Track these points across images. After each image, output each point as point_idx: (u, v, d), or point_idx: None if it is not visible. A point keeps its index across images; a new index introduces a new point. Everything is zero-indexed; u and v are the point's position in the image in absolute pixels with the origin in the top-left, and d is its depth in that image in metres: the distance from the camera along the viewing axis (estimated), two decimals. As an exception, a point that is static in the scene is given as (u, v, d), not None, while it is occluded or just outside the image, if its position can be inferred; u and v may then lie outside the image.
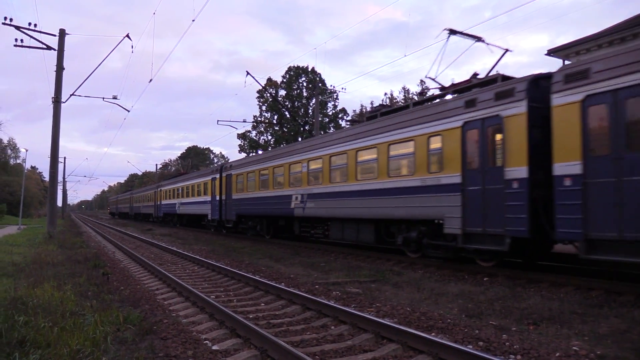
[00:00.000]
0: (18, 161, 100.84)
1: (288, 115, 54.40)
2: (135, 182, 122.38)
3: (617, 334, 6.24)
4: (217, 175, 27.09)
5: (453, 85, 12.68)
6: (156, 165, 79.60)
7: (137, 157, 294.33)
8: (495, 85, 10.63)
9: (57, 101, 22.87)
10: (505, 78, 11.04)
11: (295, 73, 56.38)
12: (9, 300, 7.67)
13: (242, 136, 57.20)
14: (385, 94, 62.81)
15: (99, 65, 25.11)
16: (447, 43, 14.09)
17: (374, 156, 13.99)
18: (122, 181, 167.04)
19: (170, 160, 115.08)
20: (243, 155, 57.09)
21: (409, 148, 12.67)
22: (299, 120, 51.13)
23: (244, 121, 33.88)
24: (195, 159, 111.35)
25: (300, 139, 56.67)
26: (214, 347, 5.79)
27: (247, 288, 9.95)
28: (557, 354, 5.42)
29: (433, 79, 13.22)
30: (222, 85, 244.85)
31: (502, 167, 10.12)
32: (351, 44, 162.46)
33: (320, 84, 50.01)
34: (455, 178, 11.14)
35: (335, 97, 55.67)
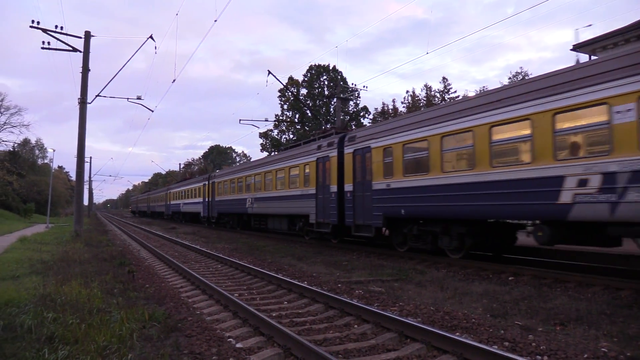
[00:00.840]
0: (45, 161, 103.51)
1: (309, 114, 54.46)
2: (159, 181, 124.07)
3: (648, 335, 6.08)
4: (206, 182, 35.30)
5: (322, 131, 21.37)
6: (179, 164, 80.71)
7: (161, 156, 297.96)
8: (329, 138, 17.94)
9: (83, 102, 23.32)
10: (339, 132, 18.45)
11: (316, 72, 56.42)
12: (38, 297, 7.87)
13: (264, 135, 57.54)
14: (407, 91, 62.39)
15: (124, 66, 25.41)
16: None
17: (283, 174, 21.37)
18: (147, 180, 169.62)
19: (193, 159, 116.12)
20: (265, 154, 57.39)
21: (297, 171, 19.97)
22: (321, 119, 51.17)
23: (266, 120, 34.25)
24: (218, 158, 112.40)
25: (321, 138, 56.70)
26: (238, 345, 5.84)
27: (270, 286, 10.01)
28: (585, 356, 5.32)
29: (325, 129, 21.87)
30: (244, 84, 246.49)
31: (329, 185, 17.26)
32: (372, 42, 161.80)
33: (341, 82, 49.95)
34: (313, 190, 18.40)
35: (356, 95, 55.54)
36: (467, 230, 12.13)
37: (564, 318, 6.93)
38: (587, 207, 8.55)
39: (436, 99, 50.34)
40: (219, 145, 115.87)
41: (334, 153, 17.06)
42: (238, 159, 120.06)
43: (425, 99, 50.89)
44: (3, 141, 65.71)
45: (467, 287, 9.54)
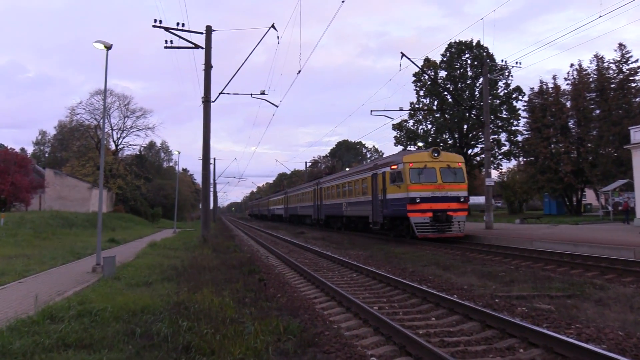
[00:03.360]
0: (170, 164, 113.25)
1: (450, 100, 53.12)
2: (284, 182, 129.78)
3: None
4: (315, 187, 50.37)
5: (328, 173, 56.91)
6: (305, 163, 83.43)
7: (285, 155, 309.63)
8: (315, 182, 45.16)
9: (206, 101, 25.13)
10: (329, 173, 55.69)
11: (457, 50, 54.85)
12: (171, 304, 8.63)
13: (398, 127, 57.26)
14: (572, 65, 58.02)
15: (246, 59, 26.79)
16: None
17: (307, 195, 48.67)
18: (271, 181, 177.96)
19: (320, 157, 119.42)
20: (400, 148, 57.27)
21: (307, 194, 48.02)
22: (464, 105, 49.58)
23: (400, 110, 33.76)
24: (347, 154, 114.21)
25: (465, 127, 54.93)
26: (382, 366, 5.83)
27: (413, 299, 9.91)
28: None
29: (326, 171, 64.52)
30: (372, 71, 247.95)
31: (316, 201, 43.78)
32: (522, 10, 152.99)
33: (487, 60, 47.93)
34: (312, 203, 45.83)
35: (507, 74, 52.93)
36: (343, 220, 35.57)
37: None
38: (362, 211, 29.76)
39: (610, 71, 46.10)
40: (347, 140, 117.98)
41: (315, 187, 43.01)
42: (369, 155, 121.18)
43: (595, 72, 46.90)
44: (130, 145, 72.71)
45: (667, 307, 8.56)
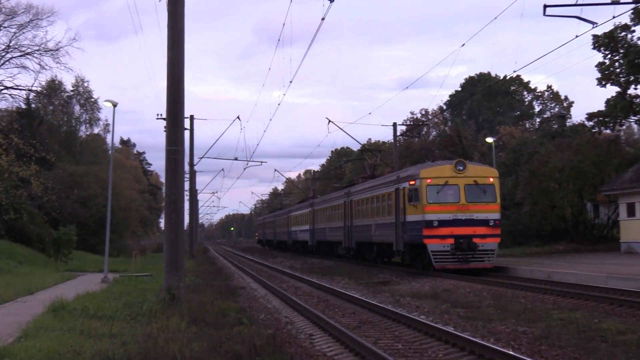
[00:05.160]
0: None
1: None
2: (346, 168, 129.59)
3: None
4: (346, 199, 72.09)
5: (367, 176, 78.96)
6: (394, 125, 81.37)
7: (348, 108, 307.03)
8: (345, 191, 78.73)
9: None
10: (352, 184, 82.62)
11: None
12: None
13: (609, 41, 56.45)
14: None
15: None
16: None
17: (335, 210, 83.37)
18: (317, 168, 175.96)
19: (426, 112, 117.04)
20: (610, 91, 56.92)
21: (337, 209, 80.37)
22: None
23: (615, 3, 32.95)
24: (486, 106, 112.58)
25: None
26: None
27: None
28: None
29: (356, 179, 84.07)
30: None
31: (346, 220, 74.77)
32: None
33: None
34: (342, 223, 76.53)
35: None
36: (374, 249, 60.30)
37: None
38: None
39: None
40: (487, 74, 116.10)
41: (345, 199, 71.87)
42: (537, 108, 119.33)
43: None
44: (7, 88, 71.88)
45: None
